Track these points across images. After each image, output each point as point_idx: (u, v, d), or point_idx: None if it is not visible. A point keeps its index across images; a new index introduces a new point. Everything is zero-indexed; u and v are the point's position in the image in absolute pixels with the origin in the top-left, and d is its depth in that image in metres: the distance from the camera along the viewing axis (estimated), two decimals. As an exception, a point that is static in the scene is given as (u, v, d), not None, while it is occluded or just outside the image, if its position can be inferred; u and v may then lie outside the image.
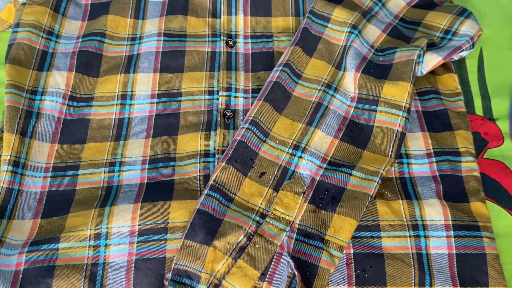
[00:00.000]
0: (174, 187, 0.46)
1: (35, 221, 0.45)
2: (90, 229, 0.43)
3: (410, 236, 0.43)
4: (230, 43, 0.56)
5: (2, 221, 0.44)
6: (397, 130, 0.47)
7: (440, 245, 0.43)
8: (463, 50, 0.51)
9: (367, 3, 0.58)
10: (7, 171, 0.46)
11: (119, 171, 0.48)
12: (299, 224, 0.43)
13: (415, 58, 0.49)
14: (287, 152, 0.47)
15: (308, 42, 0.53)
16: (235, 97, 0.52)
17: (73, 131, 0.50)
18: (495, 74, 0.56)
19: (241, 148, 0.46)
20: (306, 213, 0.43)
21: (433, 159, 0.48)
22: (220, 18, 0.58)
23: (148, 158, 0.48)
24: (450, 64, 0.54)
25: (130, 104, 0.52)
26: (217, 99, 0.52)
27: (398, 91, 0.48)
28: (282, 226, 0.43)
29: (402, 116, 0.47)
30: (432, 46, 0.52)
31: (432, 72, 0.54)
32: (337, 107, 0.49)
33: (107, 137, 0.50)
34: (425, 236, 0.43)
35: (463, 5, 0.61)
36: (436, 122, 0.50)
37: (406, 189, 0.46)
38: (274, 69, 0.52)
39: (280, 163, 0.46)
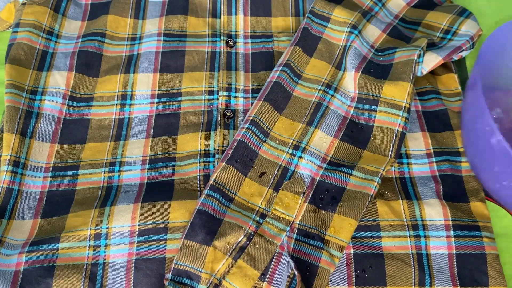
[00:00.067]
0: (174, 187, 0.46)
1: (35, 221, 0.45)
2: (90, 229, 0.43)
3: (410, 236, 0.43)
4: (230, 43, 0.56)
5: (2, 221, 0.44)
6: (397, 130, 0.47)
7: (440, 245, 0.43)
8: (463, 50, 0.51)
9: (367, 3, 0.58)
10: (7, 171, 0.46)
11: (119, 171, 0.48)
12: (299, 224, 0.43)
13: (415, 58, 0.49)
14: (287, 152, 0.47)
15: (308, 42, 0.53)
16: (235, 97, 0.52)
17: (73, 131, 0.50)
18: (495, 74, 0.56)
19: (241, 148, 0.46)
20: (306, 213, 0.43)
21: (433, 159, 0.48)
22: (220, 18, 0.58)
23: (148, 158, 0.48)
24: (450, 64, 0.54)
25: (130, 104, 0.52)
26: (217, 99, 0.52)
27: (398, 91, 0.48)
28: (282, 226, 0.43)
29: (402, 116, 0.47)
30: (432, 46, 0.52)
31: (432, 72, 0.54)
32: (337, 107, 0.49)
33: (107, 137, 0.50)
34: (425, 236, 0.43)
35: (463, 5, 0.61)
36: (436, 122, 0.50)
37: (406, 189, 0.46)
38: (274, 69, 0.52)
39: (280, 163, 0.46)
